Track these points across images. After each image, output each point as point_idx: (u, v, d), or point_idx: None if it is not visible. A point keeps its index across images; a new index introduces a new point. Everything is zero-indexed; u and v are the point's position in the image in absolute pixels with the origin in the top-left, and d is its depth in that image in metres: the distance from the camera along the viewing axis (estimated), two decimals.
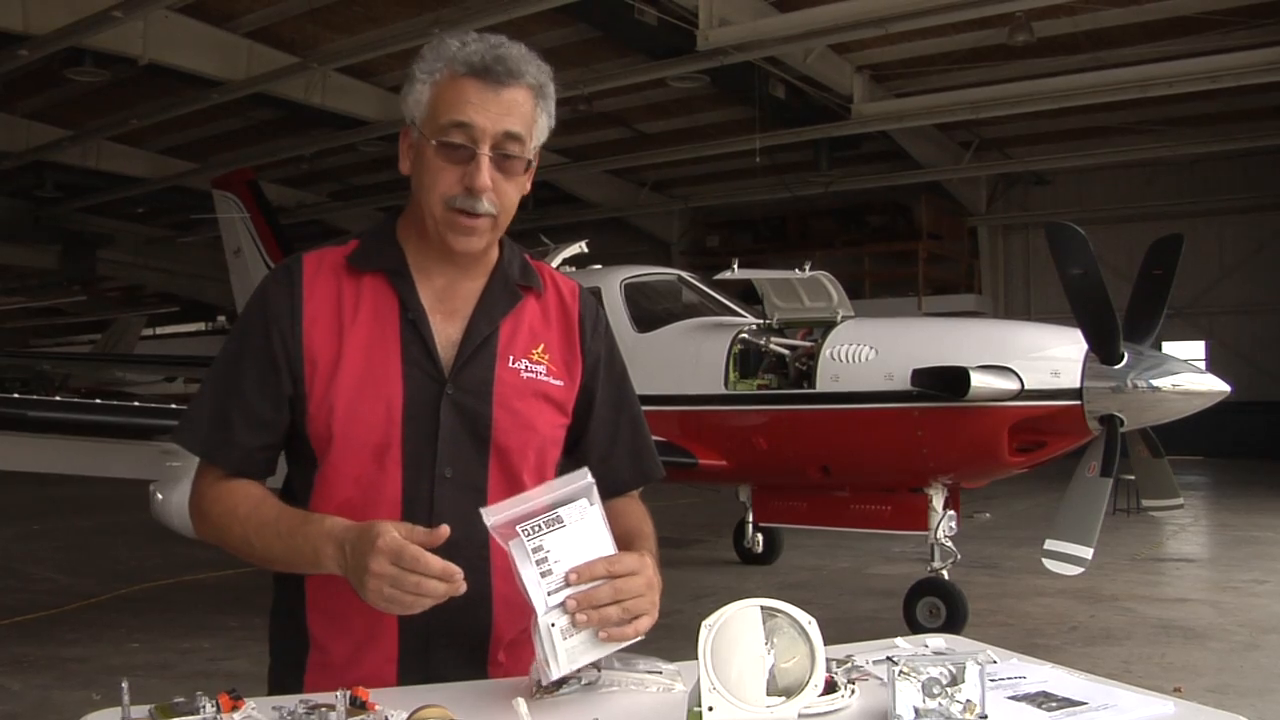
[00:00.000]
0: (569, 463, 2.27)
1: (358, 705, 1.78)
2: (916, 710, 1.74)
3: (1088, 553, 7.17)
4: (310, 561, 1.99)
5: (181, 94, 19.64)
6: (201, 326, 42.39)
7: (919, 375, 7.62)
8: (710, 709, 1.59)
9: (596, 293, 2.12)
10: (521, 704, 1.79)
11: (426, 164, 2.10)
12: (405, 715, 1.66)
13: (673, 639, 2.11)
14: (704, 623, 1.64)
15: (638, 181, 27.72)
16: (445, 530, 1.82)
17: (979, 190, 27.91)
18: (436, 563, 1.81)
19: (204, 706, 1.74)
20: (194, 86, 19.04)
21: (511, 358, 2.19)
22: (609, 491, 2.11)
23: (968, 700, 1.73)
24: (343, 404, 2.11)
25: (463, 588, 1.83)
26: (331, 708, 1.74)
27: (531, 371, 2.21)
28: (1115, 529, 12.53)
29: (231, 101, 19.67)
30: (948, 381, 7.46)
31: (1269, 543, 12.91)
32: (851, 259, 26.96)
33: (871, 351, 8.01)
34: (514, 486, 2.11)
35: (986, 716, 1.73)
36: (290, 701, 1.81)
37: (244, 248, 16.57)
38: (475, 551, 2.05)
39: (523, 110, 2.09)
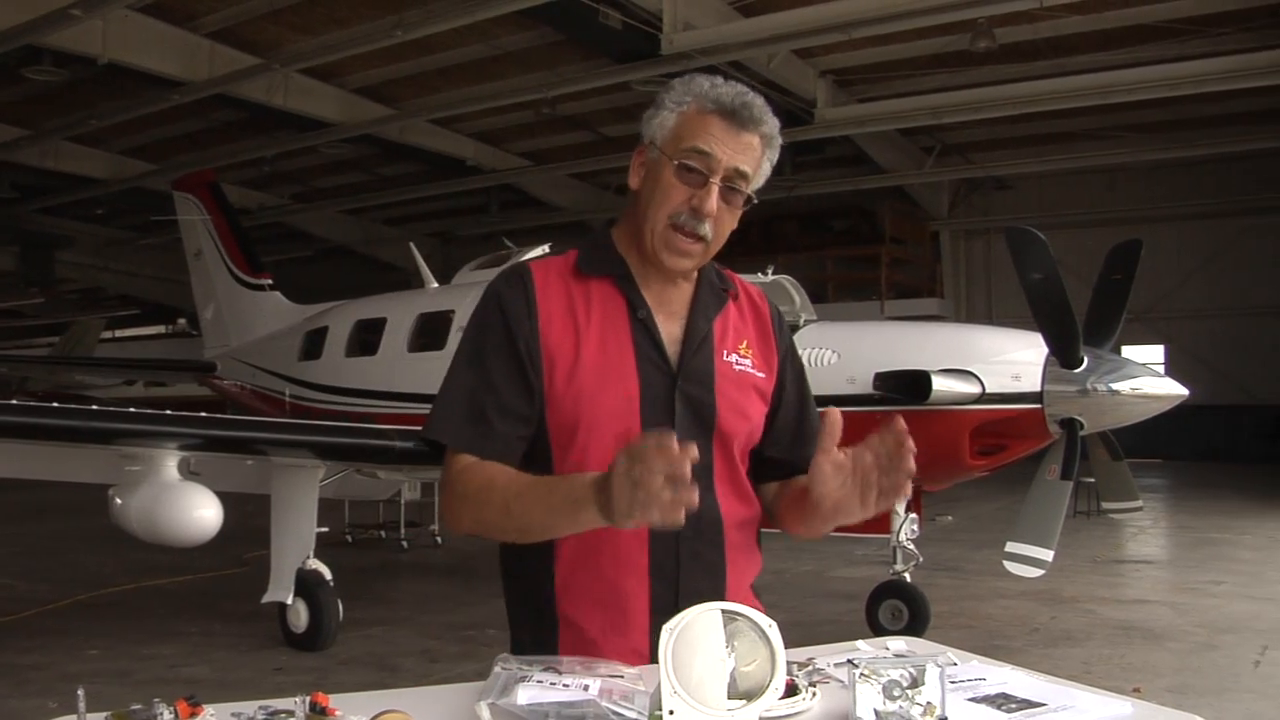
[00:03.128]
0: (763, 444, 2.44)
1: (318, 711, 1.77)
2: (877, 712, 1.75)
3: (1048, 555, 7.22)
4: (570, 515, 2.04)
5: (142, 94, 19.46)
6: (162, 329, 42.10)
7: (881, 379, 7.65)
8: (671, 713, 1.59)
9: None
10: (484, 709, 1.78)
11: (661, 181, 2.28)
12: None
13: None
14: (665, 626, 1.64)
15: (602, 185, 27.68)
16: (695, 450, 1.82)
17: (941, 195, 28.06)
18: (653, 438, 1.82)
19: (162, 713, 1.72)
20: (154, 87, 18.86)
21: (725, 352, 2.38)
22: (798, 471, 2.36)
23: (928, 702, 1.74)
24: (588, 394, 2.26)
25: (687, 455, 1.80)
26: (291, 714, 1.73)
27: (741, 365, 2.39)
28: (1076, 531, 12.63)
29: (192, 102, 19.49)
30: (909, 385, 7.50)
31: (1227, 544, 13.03)
32: (814, 263, 27.00)
33: (834, 355, 8.04)
34: (731, 467, 2.36)
35: (946, 718, 1.74)
36: (250, 708, 1.80)
37: (205, 250, 16.43)
38: (711, 526, 2.28)
39: (754, 154, 2.28)
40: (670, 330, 2.33)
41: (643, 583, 2.18)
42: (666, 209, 2.25)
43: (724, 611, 1.67)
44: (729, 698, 1.61)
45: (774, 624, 1.68)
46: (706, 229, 2.25)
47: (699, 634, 1.64)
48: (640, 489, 1.80)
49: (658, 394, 2.28)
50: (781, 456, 2.45)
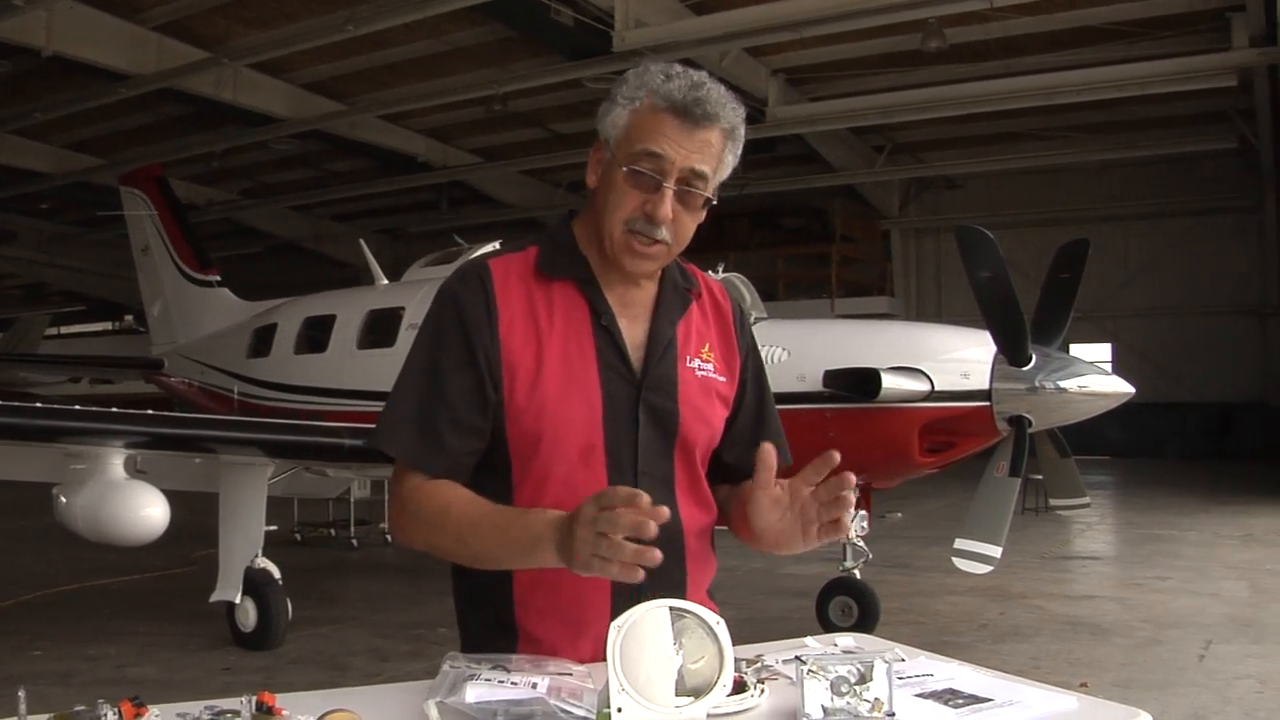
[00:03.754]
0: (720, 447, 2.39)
1: (264, 710, 1.75)
2: (825, 709, 1.75)
3: (997, 551, 7.27)
4: (525, 552, 1.99)
5: (87, 87, 19.22)
6: (108, 326, 41.61)
7: (831, 376, 7.68)
8: (619, 710, 1.58)
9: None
10: (432, 707, 1.77)
11: (614, 186, 2.19)
12: (313, 719, 1.63)
13: None
14: (613, 624, 1.64)
15: (553, 182, 27.65)
16: (665, 512, 1.79)
17: (892, 194, 28.24)
18: (625, 491, 1.78)
19: (105, 714, 1.70)
20: (100, 80, 18.64)
21: (688, 358, 2.31)
22: (750, 477, 2.23)
23: (875, 698, 1.75)
24: (551, 406, 2.18)
25: (657, 517, 1.77)
26: (237, 714, 1.71)
27: (704, 370, 2.33)
28: (1024, 528, 12.74)
29: (139, 96, 19.28)
30: (859, 383, 7.53)
31: (1172, 540, 13.18)
32: (766, 261, 27.07)
33: (784, 353, 8.06)
34: (693, 475, 2.31)
35: (894, 714, 1.75)
36: (195, 708, 1.78)
37: (152, 246, 16.25)
38: (673, 538, 2.16)
39: (712, 151, 2.18)
40: (633, 335, 2.26)
41: (604, 596, 2.11)
42: (621, 215, 2.17)
43: (672, 609, 1.67)
44: (677, 695, 1.60)
45: (721, 621, 1.67)
46: (664, 233, 2.16)
47: (647, 631, 1.64)
48: (604, 542, 1.77)
49: (621, 404, 2.21)
50: (736, 462, 2.38)
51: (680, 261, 2.37)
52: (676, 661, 1.63)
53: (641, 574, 1.74)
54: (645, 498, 1.76)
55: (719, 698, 1.64)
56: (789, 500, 2.07)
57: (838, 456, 1.99)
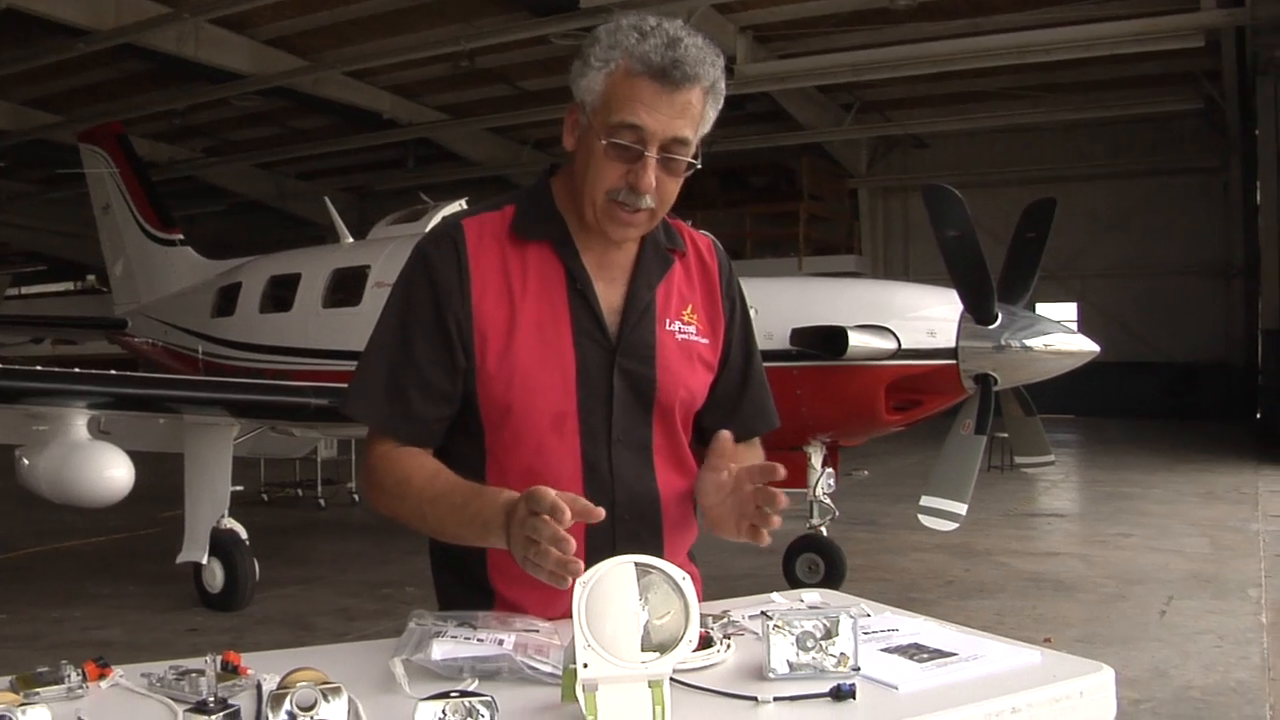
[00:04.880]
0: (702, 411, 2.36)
1: (229, 670, 1.74)
2: (790, 664, 1.76)
3: (962, 509, 7.31)
4: (479, 532, 1.99)
5: (45, 43, 18.93)
6: (70, 286, 41.24)
7: (798, 334, 7.67)
8: (585, 666, 1.57)
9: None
10: (398, 665, 1.77)
11: (593, 157, 2.12)
12: (279, 678, 1.61)
13: None
14: (578, 580, 1.63)
15: (520, 140, 27.50)
16: (601, 512, 1.80)
17: (859, 152, 28.24)
18: (549, 499, 1.77)
19: (69, 675, 1.69)
20: (58, 35, 18.36)
21: (668, 320, 2.26)
22: (736, 438, 2.25)
23: (841, 653, 1.75)
24: (521, 374, 2.15)
25: (589, 517, 1.79)
26: (202, 673, 1.69)
27: (684, 333, 2.28)
28: (989, 485, 12.82)
29: (99, 52, 19.03)
30: (826, 341, 7.53)
31: (1136, 498, 13.31)
32: (733, 219, 27.05)
33: (751, 311, 8.00)
34: (672, 440, 2.28)
35: (859, 668, 1.75)
36: (160, 668, 1.78)
37: (113, 204, 16.05)
38: (649, 505, 2.23)
39: (693, 113, 2.11)
40: (610, 299, 2.22)
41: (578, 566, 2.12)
42: (603, 186, 2.10)
43: (638, 565, 1.66)
44: (643, 650, 1.60)
45: (687, 576, 1.67)
46: (648, 201, 2.10)
47: (612, 587, 1.63)
48: (532, 547, 1.77)
49: (595, 370, 2.18)
50: (720, 424, 2.31)
51: (668, 218, 2.31)
52: (642, 617, 1.62)
53: (569, 583, 1.72)
54: (568, 511, 1.75)
55: (685, 653, 1.64)
56: (730, 489, 2.06)
57: (783, 472, 1.97)
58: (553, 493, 1.77)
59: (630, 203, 2.11)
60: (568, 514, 1.75)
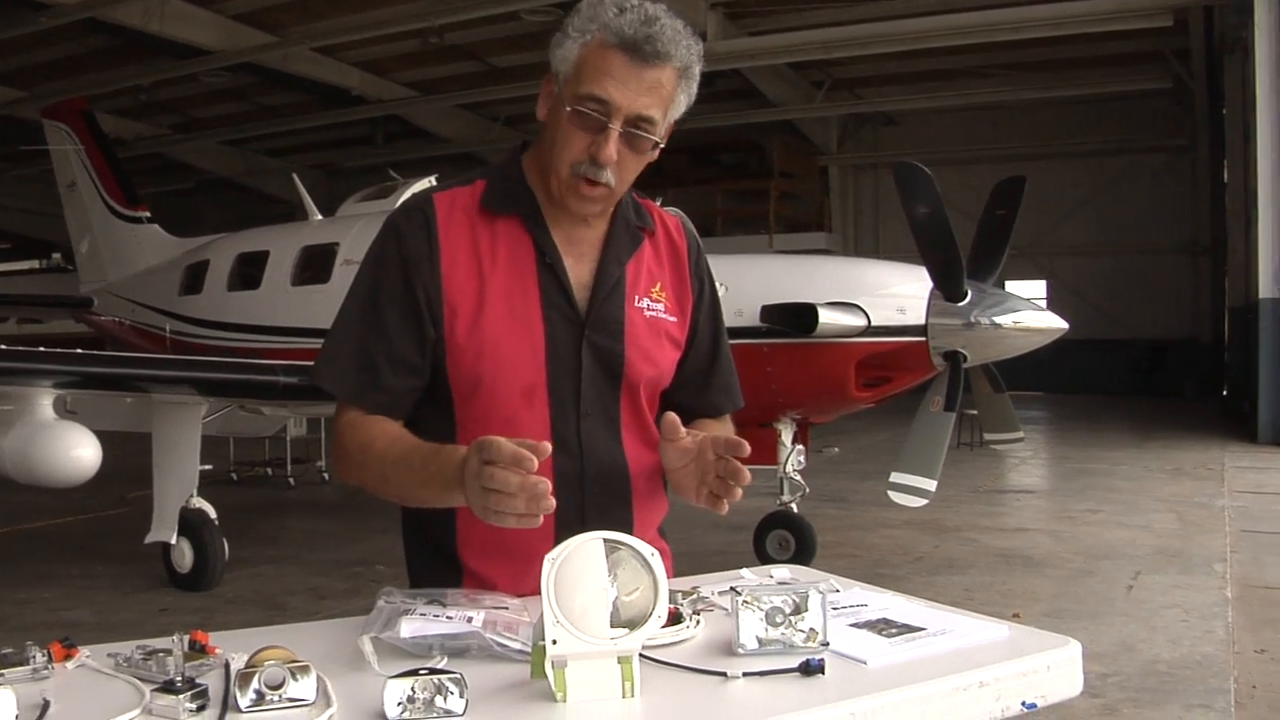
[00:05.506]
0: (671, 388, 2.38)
1: (197, 649, 1.73)
2: (760, 639, 1.76)
3: (932, 485, 7.33)
4: (440, 489, 1.96)
5: (7, 16, 18.71)
6: (35, 264, 40.83)
7: (768, 311, 7.68)
8: (554, 642, 1.57)
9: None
10: (366, 643, 1.76)
11: (560, 125, 2.13)
12: (247, 657, 1.60)
13: None
14: (546, 557, 1.62)
15: (490, 116, 27.39)
16: (548, 446, 1.77)
17: (830, 130, 28.27)
18: (508, 448, 1.74)
19: (34, 656, 1.68)
20: (21, 9, 18.15)
21: (637, 297, 2.27)
22: (699, 418, 2.36)
23: (810, 628, 1.75)
24: (490, 346, 2.16)
25: (539, 453, 1.75)
26: (169, 653, 1.68)
27: (653, 310, 2.29)
28: (958, 462, 12.90)
29: (63, 26, 18.82)
30: (796, 318, 7.54)
31: (1104, 474, 13.40)
32: (704, 196, 27.04)
33: (721, 288, 7.93)
34: (639, 416, 2.29)
35: (828, 644, 1.75)
36: (127, 648, 1.76)
37: (79, 181, 15.91)
38: (618, 479, 2.25)
39: (663, 92, 2.11)
40: (579, 275, 2.22)
41: (548, 538, 2.01)
42: (567, 157, 2.11)
43: (606, 541, 1.65)
44: (611, 626, 1.60)
45: (656, 553, 1.67)
46: (608, 176, 2.11)
47: (580, 564, 1.63)
48: (491, 496, 1.75)
49: (564, 344, 2.19)
50: (687, 403, 2.37)
51: (636, 197, 2.33)
52: (611, 594, 1.62)
53: (540, 520, 1.73)
54: (532, 458, 1.73)
55: (654, 629, 1.64)
56: (694, 454, 2.06)
57: (748, 449, 1.98)
58: (508, 443, 1.75)
59: (590, 175, 2.11)
60: (533, 461, 1.73)
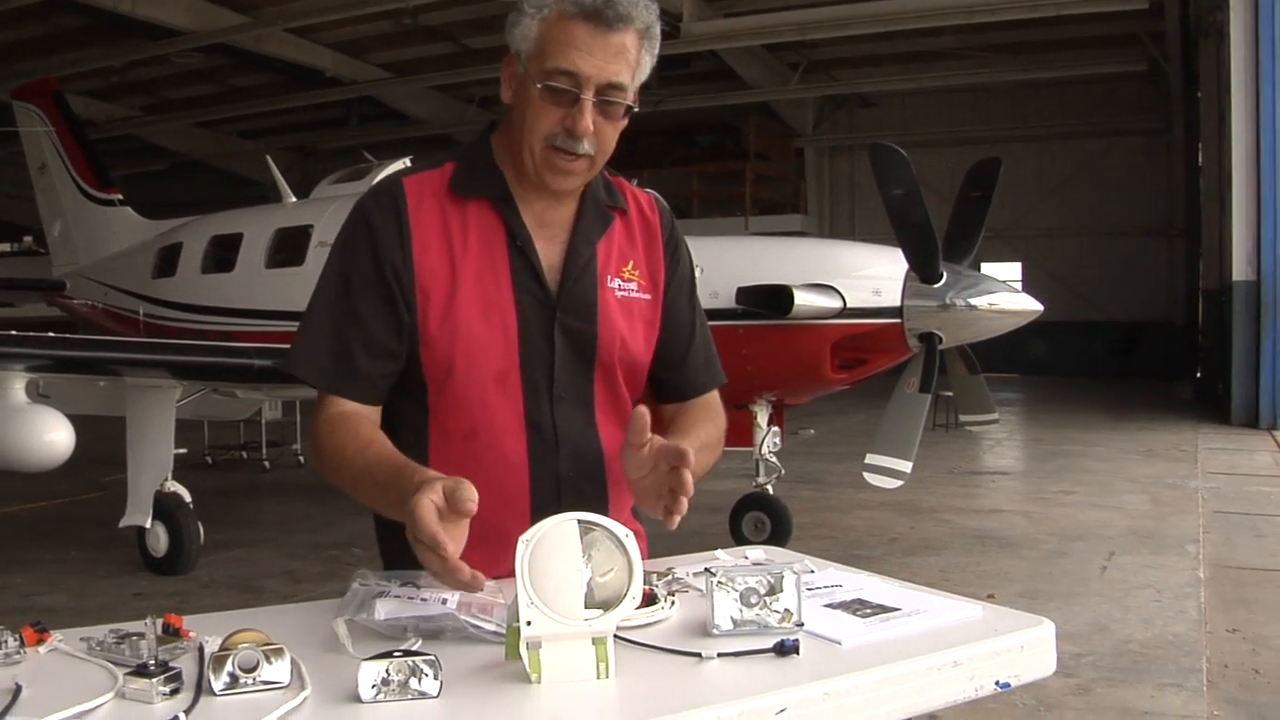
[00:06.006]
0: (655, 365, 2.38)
1: (170, 632, 1.72)
2: (734, 620, 1.76)
3: (907, 467, 7.36)
4: (399, 512, 1.89)
5: None
6: (7, 247, 40.50)
7: (743, 293, 7.68)
8: (528, 624, 1.57)
9: None
10: (341, 625, 1.76)
11: (530, 103, 2.11)
12: (221, 640, 1.60)
13: None
14: (521, 538, 1.62)
15: (465, 98, 27.27)
16: (472, 505, 1.75)
17: (806, 112, 28.24)
18: (425, 529, 1.72)
19: (6, 641, 1.67)
20: None
21: (609, 278, 2.26)
22: (683, 396, 2.40)
23: (785, 609, 1.76)
24: (464, 332, 2.15)
25: (463, 512, 1.75)
26: (142, 636, 1.68)
27: (625, 290, 2.28)
28: (934, 444, 12.93)
29: (32, 5, 18.61)
30: (772, 299, 7.54)
31: (1078, 455, 13.47)
32: (679, 178, 27.01)
33: (697, 270, 8.01)
34: (615, 397, 2.29)
35: (803, 624, 1.76)
36: (99, 631, 1.76)
37: (49, 163, 15.77)
38: (592, 462, 2.25)
39: (629, 56, 2.10)
40: (550, 256, 2.21)
41: (524, 523, 2.06)
42: (540, 133, 2.10)
43: (581, 521, 1.65)
44: (586, 607, 1.60)
45: (631, 534, 1.67)
46: (586, 146, 2.09)
47: (555, 544, 1.63)
48: (434, 562, 1.75)
49: (536, 327, 2.18)
50: (671, 379, 2.39)
51: (608, 175, 2.32)
52: (585, 574, 1.62)
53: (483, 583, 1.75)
54: (442, 543, 1.71)
55: (628, 610, 1.64)
56: (651, 464, 2.02)
57: (692, 457, 1.93)
58: (427, 521, 1.72)
59: (568, 148, 2.10)
60: (446, 546, 1.72)
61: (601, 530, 1.66)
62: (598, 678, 1.61)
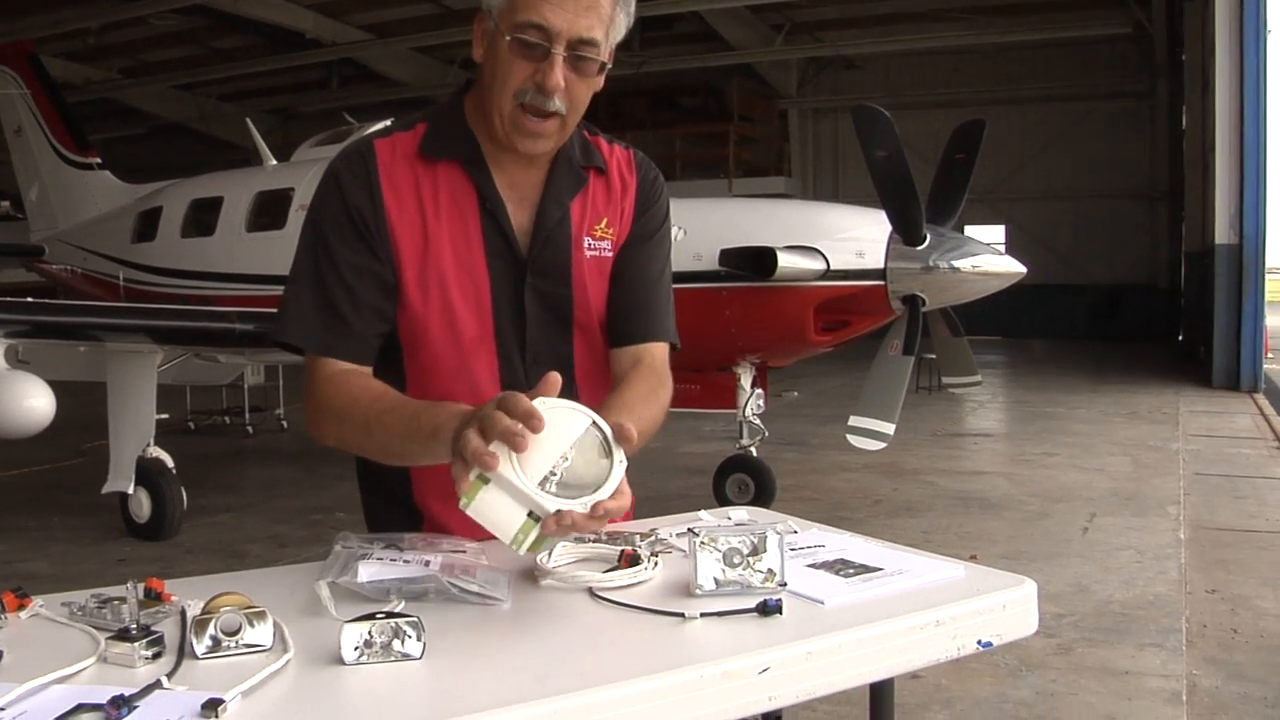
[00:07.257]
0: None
1: (152, 596, 1.72)
2: (718, 580, 1.76)
3: (890, 429, 7.38)
4: (425, 441, 1.86)
5: None
6: None
7: (727, 255, 7.66)
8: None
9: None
10: (323, 588, 1.75)
11: (500, 58, 2.07)
12: (203, 604, 1.60)
13: None
14: (540, 399, 1.65)
15: (446, 59, 27.08)
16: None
17: (790, 74, 28.17)
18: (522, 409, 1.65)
19: None
20: None
21: (584, 239, 2.24)
22: (620, 341, 2.27)
23: (768, 569, 1.76)
24: (438, 298, 2.14)
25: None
26: (124, 600, 1.67)
27: (595, 249, 2.25)
28: (917, 406, 12.96)
29: None
30: (755, 261, 7.52)
31: (1060, 418, 13.53)
32: (663, 140, 26.91)
33: (680, 232, 8.01)
34: (594, 357, 2.27)
35: (786, 584, 1.76)
36: (81, 596, 1.75)
37: (25, 127, 15.62)
38: None
39: (601, 11, 2.05)
40: (521, 220, 2.18)
41: None
42: (510, 89, 2.05)
43: (594, 424, 1.68)
44: (543, 485, 1.63)
45: (625, 462, 1.69)
46: (557, 103, 2.04)
47: (557, 422, 1.66)
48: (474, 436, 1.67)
49: (508, 291, 2.16)
50: (612, 325, 2.27)
51: (586, 134, 2.27)
52: (563, 464, 1.64)
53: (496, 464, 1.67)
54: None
55: (573, 506, 1.65)
56: None
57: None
58: (518, 405, 1.66)
59: (539, 105, 2.05)
60: (538, 416, 1.65)
61: (602, 443, 1.69)
62: (509, 544, 1.65)
